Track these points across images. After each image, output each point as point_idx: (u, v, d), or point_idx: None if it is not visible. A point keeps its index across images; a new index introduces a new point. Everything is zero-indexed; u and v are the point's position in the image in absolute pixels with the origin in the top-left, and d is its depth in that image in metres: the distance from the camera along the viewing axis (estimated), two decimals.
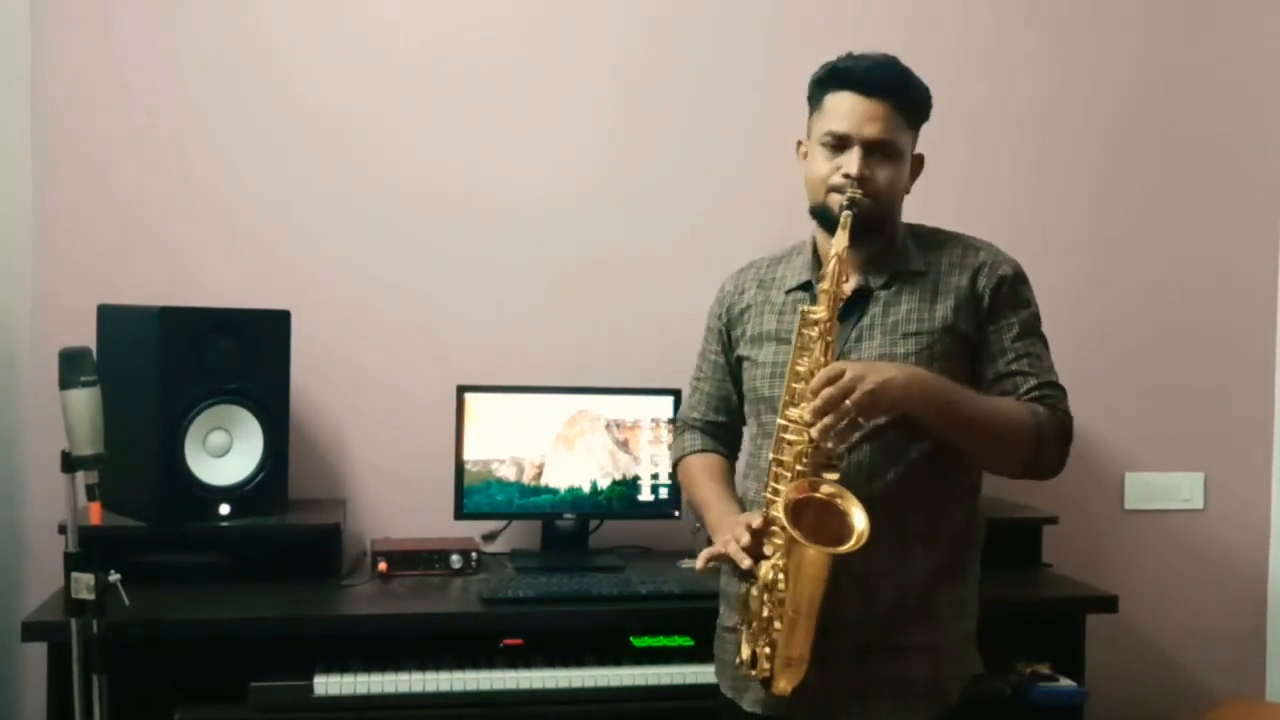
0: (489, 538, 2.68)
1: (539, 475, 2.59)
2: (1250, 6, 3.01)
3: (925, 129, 1.86)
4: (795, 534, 1.60)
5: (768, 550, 1.66)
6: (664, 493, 2.64)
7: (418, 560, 2.45)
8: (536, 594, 2.27)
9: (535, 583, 2.33)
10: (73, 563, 1.96)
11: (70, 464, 1.96)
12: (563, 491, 2.60)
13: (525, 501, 2.59)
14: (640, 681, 2.18)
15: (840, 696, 1.74)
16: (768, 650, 1.67)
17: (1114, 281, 2.96)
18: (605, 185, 2.79)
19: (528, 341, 2.75)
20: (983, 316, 1.79)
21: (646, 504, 2.64)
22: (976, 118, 2.88)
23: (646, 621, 2.28)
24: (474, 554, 2.49)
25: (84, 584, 1.94)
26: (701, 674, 2.19)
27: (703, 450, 2.02)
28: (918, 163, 1.86)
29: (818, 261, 1.86)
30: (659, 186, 2.81)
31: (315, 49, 2.67)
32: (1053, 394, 1.77)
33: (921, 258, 1.82)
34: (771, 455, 1.72)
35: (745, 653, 1.71)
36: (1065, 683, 2.39)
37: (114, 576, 1.96)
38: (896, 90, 1.77)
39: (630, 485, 2.62)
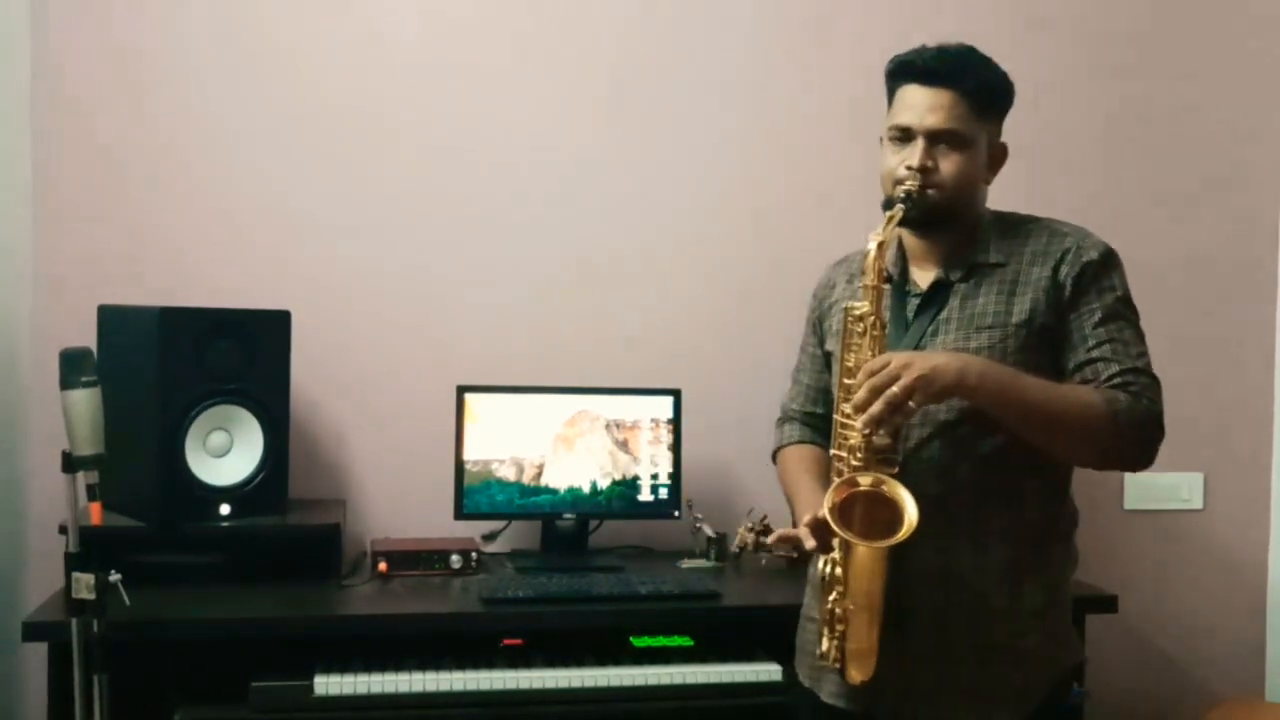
0: (489, 538, 2.69)
1: (539, 475, 2.59)
2: (1250, 4, 3.02)
3: None
4: (839, 530, 1.61)
5: (832, 544, 1.67)
6: (663, 493, 2.64)
7: (418, 560, 2.46)
8: (536, 594, 2.28)
9: (535, 583, 2.34)
10: (73, 563, 1.96)
11: (71, 464, 1.96)
12: (562, 491, 2.60)
13: (525, 501, 2.59)
14: (640, 681, 2.18)
15: (922, 693, 1.73)
16: (837, 642, 1.68)
17: None
18: (605, 185, 2.79)
19: (528, 342, 2.76)
20: (1064, 305, 1.74)
21: (646, 504, 2.64)
22: None
23: (646, 621, 2.28)
24: (474, 554, 2.49)
25: (84, 584, 1.94)
26: (701, 674, 2.20)
27: (799, 441, 2.00)
28: (999, 152, 1.83)
29: (901, 255, 1.85)
30: (659, 187, 2.81)
31: (314, 49, 2.67)
32: (1136, 381, 1.69)
33: (1003, 249, 1.78)
34: (832, 450, 1.73)
35: (824, 644, 1.71)
36: None
37: (114, 576, 1.96)
38: (959, 78, 1.73)
39: (630, 485, 2.63)
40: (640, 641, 2.27)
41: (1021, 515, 1.74)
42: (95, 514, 1.98)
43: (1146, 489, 2.99)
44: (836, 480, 1.68)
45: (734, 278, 2.84)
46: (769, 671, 2.22)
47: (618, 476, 2.63)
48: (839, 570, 1.66)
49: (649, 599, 2.29)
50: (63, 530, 2.01)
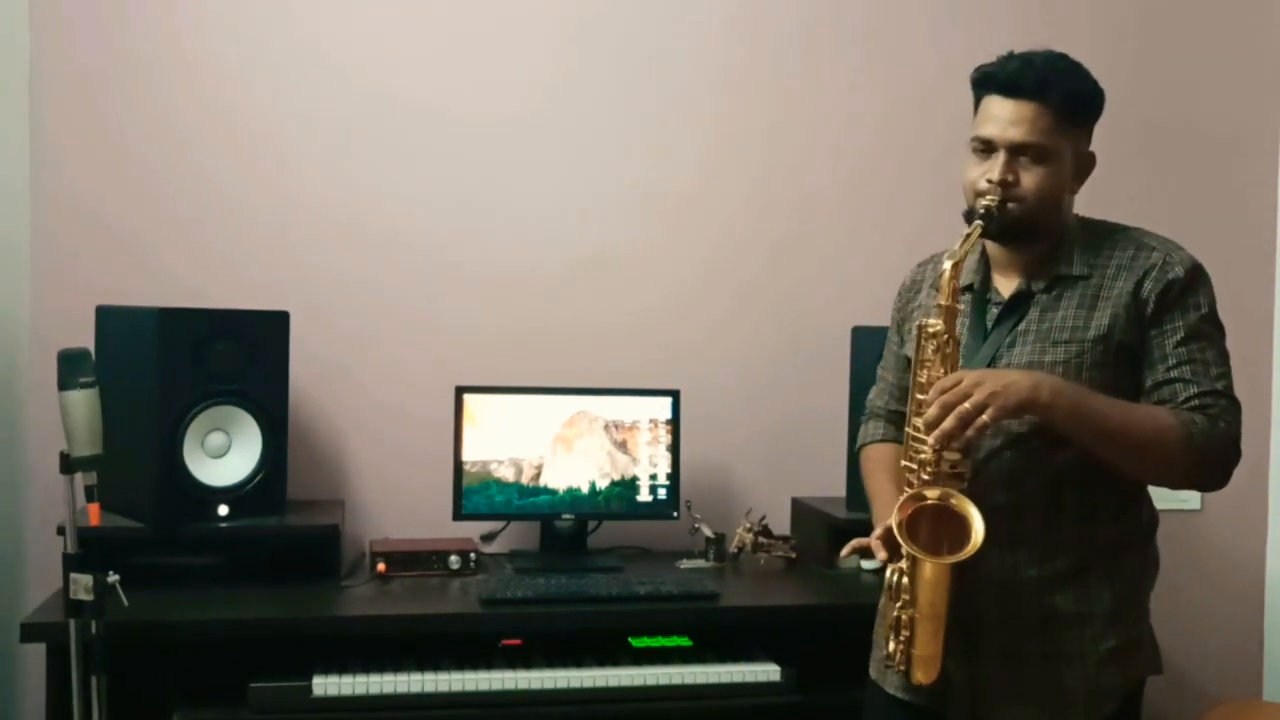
0: (488, 538, 2.69)
1: (538, 476, 2.59)
2: (1244, 8, 3.02)
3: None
4: (908, 545, 1.62)
5: (900, 555, 1.68)
6: (662, 493, 2.64)
7: (416, 561, 2.46)
8: (535, 595, 2.28)
9: (534, 583, 2.34)
10: (71, 564, 1.96)
11: (69, 465, 1.96)
12: (561, 492, 2.60)
13: (524, 502, 2.59)
14: (639, 682, 2.18)
15: (991, 697, 1.73)
16: (902, 647, 1.69)
17: None
18: (604, 186, 2.79)
19: (526, 343, 2.76)
20: (1146, 322, 1.71)
21: (645, 505, 2.64)
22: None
23: (645, 622, 2.28)
24: (473, 555, 2.49)
25: (83, 585, 1.94)
26: (700, 674, 2.20)
27: (883, 440, 1.98)
28: (1086, 161, 1.79)
29: (985, 263, 1.83)
30: (658, 188, 2.81)
31: (313, 50, 2.67)
32: (1215, 403, 1.68)
33: (1087, 261, 1.75)
34: (902, 463, 1.72)
35: (890, 647, 1.72)
36: None
37: (113, 577, 1.96)
38: (1044, 90, 1.70)
39: (629, 486, 2.63)
40: (639, 642, 2.28)
41: (1093, 527, 1.72)
42: (93, 515, 1.98)
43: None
44: (905, 494, 1.68)
45: (733, 279, 2.85)
46: (768, 672, 2.22)
47: (616, 477, 2.63)
48: (905, 580, 1.67)
49: (648, 599, 2.29)
50: (61, 531, 2.01)
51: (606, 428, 2.62)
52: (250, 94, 2.65)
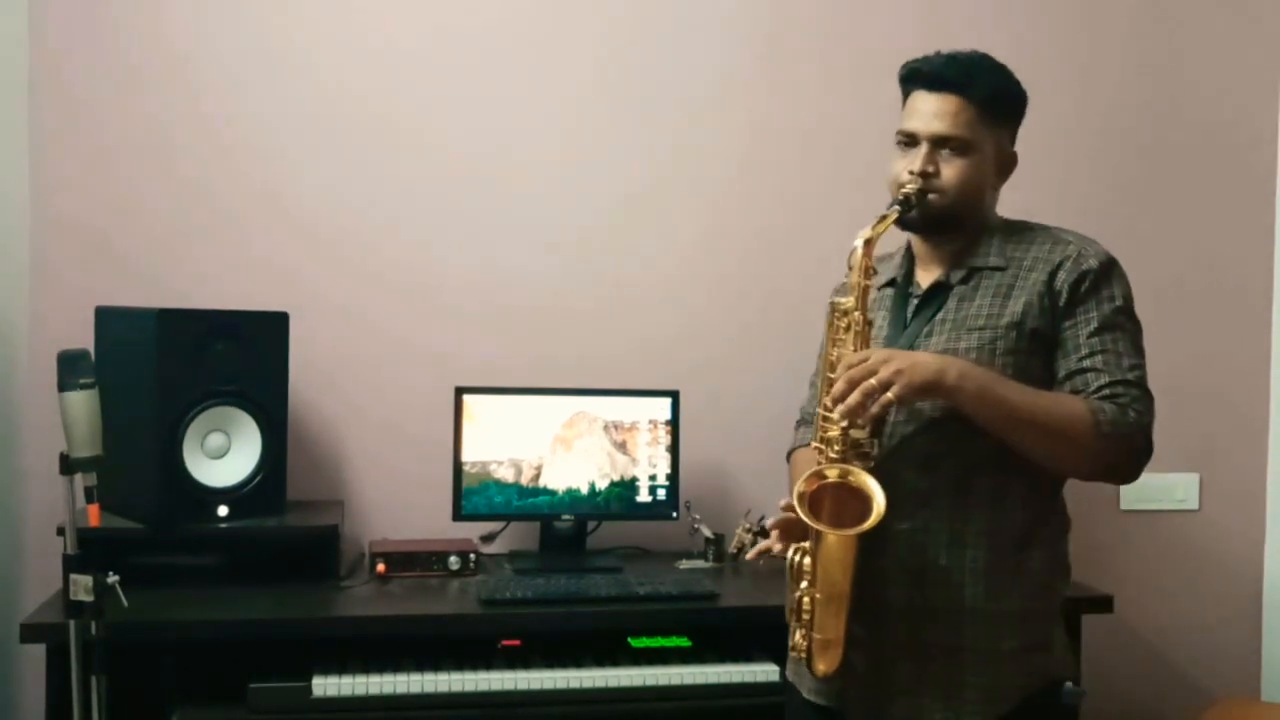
0: (487, 539, 2.69)
1: (537, 477, 2.60)
2: (1243, 8, 3.02)
3: None
4: (806, 517, 1.61)
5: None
6: (661, 494, 2.64)
7: (416, 561, 2.46)
8: (535, 595, 2.28)
9: (533, 584, 2.34)
10: (71, 564, 1.96)
11: (69, 466, 1.96)
12: (561, 493, 2.60)
13: (523, 503, 2.59)
14: (638, 682, 2.18)
15: (892, 690, 1.73)
16: (803, 631, 1.68)
17: None
18: (604, 188, 2.79)
19: (526, 343, 2.76)
20: (1060, 312, 1.73)
21: (644, 505, 2.64)
22: None
23: (644, 622, 2.29)
24: (472, 555, 2.50)
25: (82, 585, 1.94)
26: (699, 674, 2.21)
27: (810, 444, 1.98)
28: (1008, 159, 1.83)
29: (909, 258, 1.87)
30: (657, 188, 2.82)
31: (312, 52, 2.67)
32: (1125, 393, 1.68)
33: (1005, 253, 1.78)
34: (813, 443, 1.73)
35: (796, 635, 1.71)
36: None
37: (112, 578, 1.96)
38: (967, 85, 1.74)
39: (628, 486, 2.63)
40: (638, 642, 2.28)
41: (1004, 516, 1.72)
42: (93, 516, 1.98)
43: (1142, 490, 2.98)
44: (807, 472, 1.68)
45: (732, 280, 2.85)
46: (767, 672, 2.22)
47: (616, 478, 2.63)
48: (807, 560, 1.66)
49: (647, 600, 2.29)
50: (60, 532, 2.01)
51: (606, 428, 2.62)
52: (249, 95, 2.65)
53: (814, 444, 1.73)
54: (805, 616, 1.66)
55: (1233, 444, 3.04)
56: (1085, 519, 2.91)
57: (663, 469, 2.64)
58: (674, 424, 2.65)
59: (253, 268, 2.64)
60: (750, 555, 1.79)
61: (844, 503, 1.64)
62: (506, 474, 2.58)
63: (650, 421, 2.64)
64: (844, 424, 1.64)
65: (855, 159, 2.89)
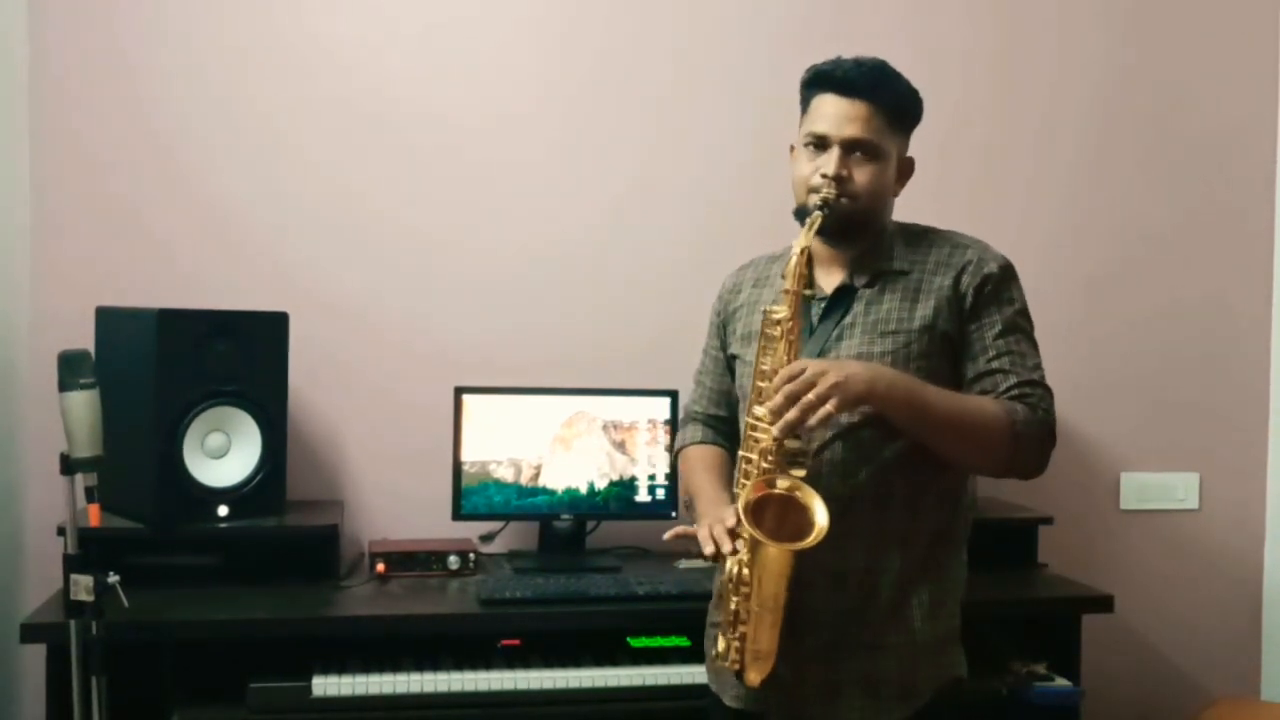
0: (486, 539, 2.69)
1: (536, 476, 2.60)
2: (1240, 30, 3.02)
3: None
4: (753, 531, 1.62)
5: (739, 546, 1.67)
6: (661, 494, 2.64)
7: (415, 561, 2.46)
8: (534, 595, 2.28)
9: (533, 584, 2.34)
10: (72, 564, 1.96)
11: (69, 466, 1.96)
12: (560, 492, 2.61)
13: (523, 502, 2.60)
14: (637, 682, 2.19)
15: (812, 693, 1.75)
16: (738, 643, 1.68)
17: (1110, 283, 2.97)
18: (603, 186, 2.80)
19: (525, 343, 2.76)
20: (965, 315, 1.78)
21: (643, 505, 2.64)
22: (977, 139, 2.89)
23: (643, 622, 2.29)
24: (471, 555, 2.50)
25: (83, 586, 1.94)
26: (698, 674, 2.20)
27: (702, 442, 2.03)
28: (907, 166, 1.87)
29: (807, 262, 1.87)
30: (656, 188, 2.82)
31: (311, 52, 2.67)
32: (1033, 393, 1.74)
33: (907, 257, 1.83)
34: (740, 453, 1.74)
35: (721, 645, 1.72)
36: (1061, 683, 2.40)
37: (113, 578, 1.96)
38: (876, 91, 1.77)
39: (627, 486, 2.63)
40: (638, 642, 2.28)
41: (919, 519, 1.77)
42: (93, 516, 1.98)
43: (1142, 489, 3.00)
44: (749, 480, 1.68)
45: None
46: None
47: (615, 477, 2.63)
48: (745, 571, 1.66)
49: (646, 599, 2.30)
50: (61, 532, 2.01)
51: (605, 428, 2.63)
52: (249, 95, 2.65)
53: (741, 452, 1.73)
54: (741, 628, 1.67)
55: (1232, 443, 3.04)
56: (1085, 519, 2.96)
57: (662, 468, 2.64)
58: (673, 423, 2.65)
59: (253, 268, 2.64)
60: (668, 536, 1.78)
61: (785, 515, 1.65)
62: (506, 474, 2.58)
63: (649, 421, 2.65)
64: (780, 435, 1.64)
65: None
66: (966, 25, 2.91)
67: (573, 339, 2.78)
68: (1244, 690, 3.02)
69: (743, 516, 1.62)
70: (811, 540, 1.60)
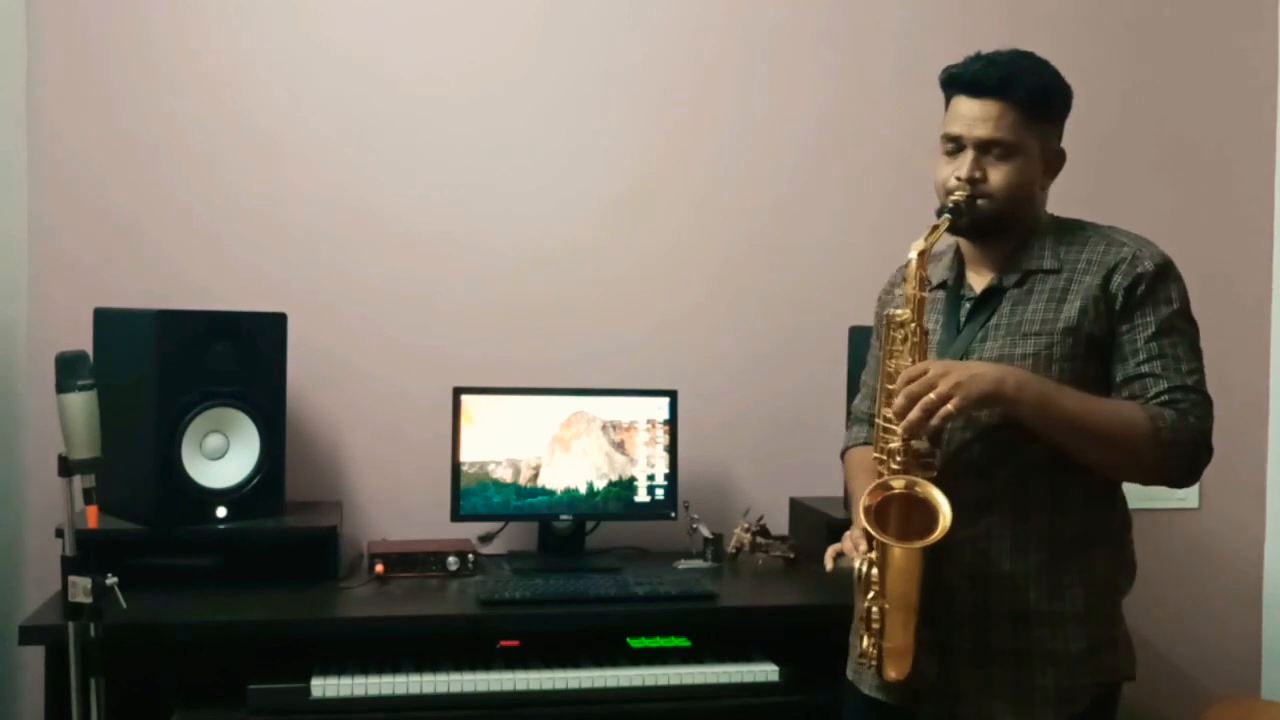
0: (485, 539, 2.69)
1: (535, 477, 2.60)
2: (1239, 19, 3.02)
3: None
4: (873, 530, 1.63)
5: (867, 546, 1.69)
6: (660, 494, 2.64)
7: (414, 562, 2.46)
8: (533, 595, 2.28)
9: (532, 584, 2.34)
10: (70, 566, 1.96)
11: (67, 468, 1.96)
12: (559, 493, 2.60)
13: (522, 503, 2.59)
14: (637, 682, 2.18)
15: (963, 693, 1.73)
16: (875, 639, 1.69)
17: None
18: (602, 186, 2.80)
19: (524, 344, 2.76)
20: (1116, 316, 1.72)
21: (643, 505, 2.64)
22: None
23: (643, 622, 2.29)
24: (471, 556, 2.50)
25: (81, 587, 1.94)
26: (698, 674, 2.21)
27: (865, 443, 1.99)
28: (1056, 158, 1.82)
29: (959, 260, 1.86)
30: (655, 187, 2.82)
31: (309, 55, 2.67)
32: (1185, 399, 1.67)
33: (1058, 255, 1.77)
34: (873, 454, 1.74)
35: (865, 643, 1.72)
36: None
37: (111, 580, 1.96)
38: (1008, 88, 1.73)
39: (626, 486, 2.63)
40: (637, 642, 2.28)
41: (1063, 519, 1.73)
42: (92, 517, 1.98)
43: (1143, 488, 2.98)
44: (872, 483, 1.69)
45: (730, 279, 2.85)
46: (766, 672, 2.22)
47: (614, 478, 2.63)
48: (875, 570, 1.67)
49: (646, 600, 2.29)
50: (59, 534, 2.01)
51: (604, 428, 2.62)
52: (248, 97, 2.65)
53: (875, 454, 1.74)
54: (875, 625, 1.67)
55: (1232, 442, 3.00)
56: None
57: (661, 469, 2.64)
58: (672, 423, 2.65)
59: (251, 269, 2.64)
60: (828, 566, 1.79)
61: (910, 513, 1.65)
62: (505, 474, 2.58)
63: (648, 421, 2.64)
64: (905, 436, 1.65)
65: (855, 156, 2.90)
66: (965, 25, 2.91)
67: (572, 339, 2.78)
68: (1245, 690, 3.02)
69: (864, 520, 1.63)
70: (935, 537, 1.60)
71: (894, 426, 1.67)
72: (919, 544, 1.62)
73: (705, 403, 2.78)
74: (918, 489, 1.65)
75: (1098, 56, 2.96)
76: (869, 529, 1.64)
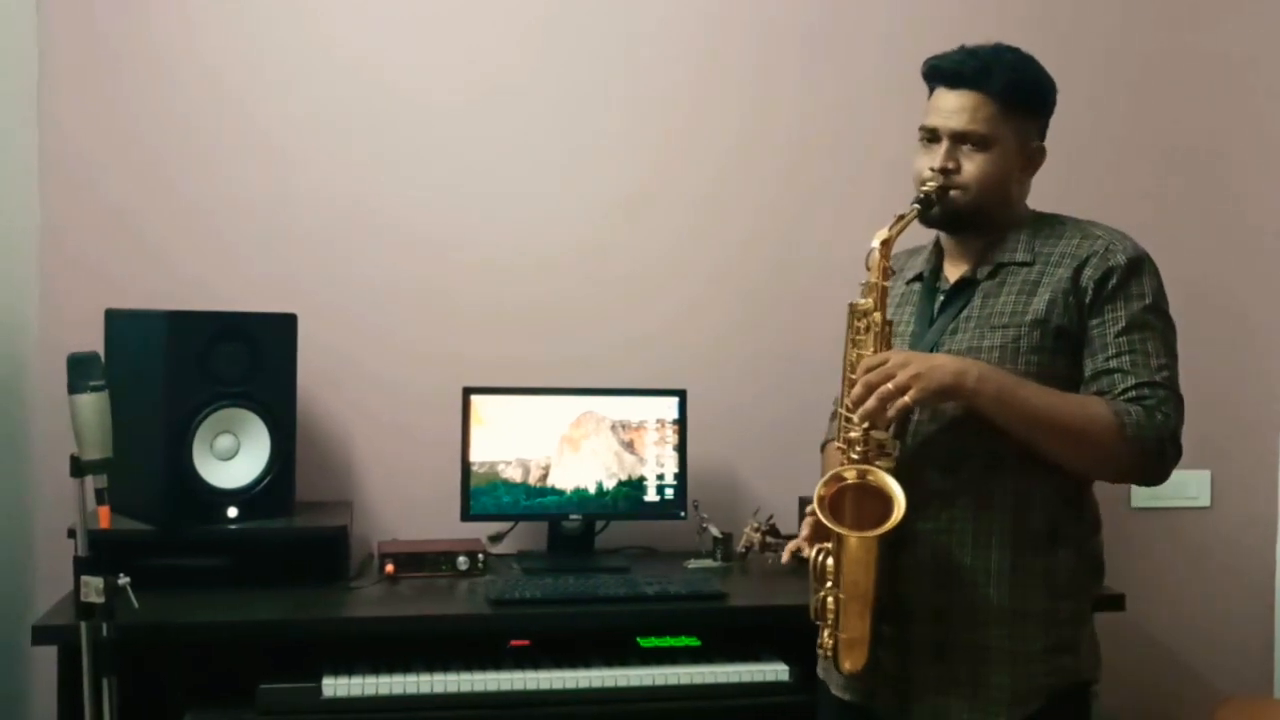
0: (495, 539, 2.69)
1: (545, 477, 2.60)
2: (1244, 22, 3.01)
3: None
4: (827, 520, 1.63)
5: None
6: (669, 493, 2.64)
7: (424, 562, 2.46)
8: (543, 595, 2.28)
9: (542, 584, 2.34)
10: (82, 566, 1.97)
11: (79, 468, 1.97)
12: (569, 493, 2.60)
13: (531, 503, 2.59)
14: (647, 682, 2.18)
15: (919, 688, 1.73)
16: (830, 630, 1.68)
17: None
18: (610, 185, 2.80)
19: (533, 343, 2.76)
20: (1086, 310, 1.70)
21: (652, 504, 2.64)
22: None
23: (653, 622, 2.29)
24: (480, 555, 2.50)
25: (93, 587, 1.95)
26: (708, 674, 2.20)
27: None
28: (1036, 154, 1.80)
29: (938, 253, 1.86)
30: (663, 187, 2.82)
31: (319, 60, 2.68)
32: (1153, 395, 1.65)
33: (1032, 248, 1.76)
34: (835, 443, 1.74)
35: (823, 634, 1.71)
36: None
37: (123, 580, 1.97)
38: (983, 79, 1.73)
39: (636, 486, 2.63)
40: (647, 642, 2.28)
41: (1028, 517, 1.71)
42: (103, 518, 1.99)
43: (1154, 487, 2.98)
44: (826, 474, 1.69)
45: (738, 278, 2.85)
46: (776, 671, 2.22)
47: (624, 477, 2.63)
48: (829, 561, 1.67)
49: (656, 600, 2.29)
50: (71, 534, 2.02)
51: (613, 428, 2.62)
52: (257, 98, 2.66)
53: (836, 444, 1.75)
54: (830, 617, 1.67)
55: (1244, 440, 3.03)
56: None
57: (670, 468, 2.64)
58: (681, 423, 2.65)
59: (261, 269, 2.65)
60: (784, 559, 1.80)
61: (865, 503, 1.65)
62: (514, 474, 2.58)
63: (658, 421, 2.64)
64: (864, 425, 1.65)
65: (856, 152, 2.89)
66: (966, 25, 2.90)
67: (581, 339, 2.78)
68: (1257, 689, 3.00)
69: (817, 510, 1.64)
70: (888, 526, 1.60)
71: (853, 416, 1.66)
72: (872, 533, 1.61)
73: (714, 402, 2.77)
74: (870, 478, 1.65)
75: (1094, 56, 2.95)
76: (822, 519, 1.63)
